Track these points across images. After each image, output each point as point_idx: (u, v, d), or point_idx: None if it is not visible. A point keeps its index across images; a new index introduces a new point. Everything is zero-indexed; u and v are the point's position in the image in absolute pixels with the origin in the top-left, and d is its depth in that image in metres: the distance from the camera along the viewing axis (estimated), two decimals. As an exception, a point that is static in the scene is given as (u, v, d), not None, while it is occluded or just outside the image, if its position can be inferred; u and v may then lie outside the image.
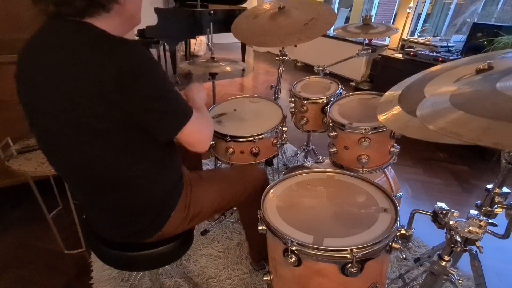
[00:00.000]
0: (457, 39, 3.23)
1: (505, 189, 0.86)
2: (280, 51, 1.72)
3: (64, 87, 0.66)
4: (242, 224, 1.36)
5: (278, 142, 1.39)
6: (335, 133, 1.27)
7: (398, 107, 0.83)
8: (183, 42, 5.15)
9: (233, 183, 1.11)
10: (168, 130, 0.76)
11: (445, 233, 0.73)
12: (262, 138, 1.29)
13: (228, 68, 1.59)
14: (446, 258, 0.77)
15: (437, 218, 0.73)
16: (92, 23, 0.69)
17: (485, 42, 2.60)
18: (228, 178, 1.13)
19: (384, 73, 3.48)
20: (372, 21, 1.80)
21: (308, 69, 5.05)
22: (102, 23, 0.70)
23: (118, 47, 0.66)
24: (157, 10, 3.63)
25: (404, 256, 1.50)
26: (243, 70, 4.95)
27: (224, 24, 3.92)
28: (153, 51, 4.18)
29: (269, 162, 1.44)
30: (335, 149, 1.31)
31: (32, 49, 0.72)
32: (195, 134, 0.80)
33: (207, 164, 2.28)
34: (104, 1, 0.68)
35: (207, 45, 1.58)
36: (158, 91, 0.70)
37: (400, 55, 3.26)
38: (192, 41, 5.32)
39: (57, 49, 0.67)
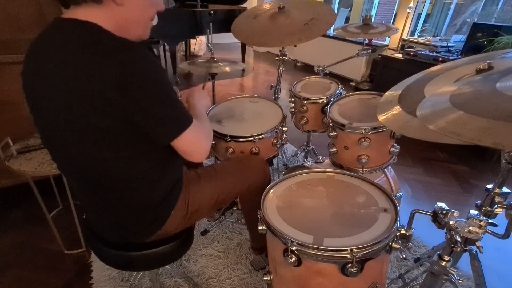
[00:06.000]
0: (457, 39, 3.22)
1: (505, 189, 0.86)
2: (280, 51, 1.72)
3: (65, 85, 0.66)
4: (243, 213, 1.35)
5: (278, 142, 1.39)
6: (335, 133, 1.27)
7: (398, 107, 0.83)
8: (183, 42, 5.15)
9: (232, 174, 1.11)
10: (164, 135, 0.75)
11: (445, 233, 0.73)
12: (262, 138, 1.29)
13: (227, 69, 1.59)
14: (446, 258, 0.77)
15: (437, 218, 0.73)
16: (96, 22, 0.68)
17: (485, 42, 2.60)
18: (226, 170, 1.12)
19: (384, 73, 3.48)
20: (372, 21, 1.80)
21: (308, 69, 5.04)
22: (98, 18, 0.68)
23: (121, 49, 0.66)
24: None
25: (404, 256, 1.50)
26: (243, 70, 4.95)
27: (224, 24, 3.92)
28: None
29: (269, 162, 1.44)
30: (335, 149, 1.31)
31: (37, 47, 0.72)
32: (192, 143, 0.79)
33: (207, 164, 2.28)
34: None
35: (207, 45, 1.58)
36: (158, 96, 0.70)
37: (400, 55, 3.25)
38: (192, 41, 5.32)
39: (60, 49, 0.67)
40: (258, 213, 0.83)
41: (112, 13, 0.70)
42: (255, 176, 1.13)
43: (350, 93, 1.49)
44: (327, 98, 1.60)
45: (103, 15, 0.69)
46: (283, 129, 1.38)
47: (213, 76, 1.73)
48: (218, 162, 1.40)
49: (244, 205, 1.30)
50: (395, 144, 1.25)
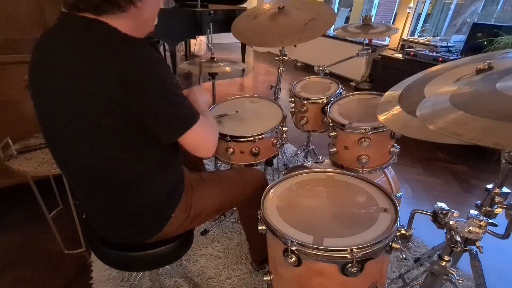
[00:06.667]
0: (457, 39, 3.23)
1: (505, 189, 0.86)
2: (280, 51, 1.72)
3: (69, 83, 0.66)
4: (242, 225, 1.36)
5: (278, 142, 1.38)
6: (335, 133, 1.27)
7: (398, 107, 0.83)
8: (183, 42, 5.15)
9: (234, 184, 1.12)
10: (170, 133, 0.75)
11: (445, 233, 0.73)
12: (262, 138, 1.29)
13: (227, 69, 1.59)
14: (446, 258, 0.77)
15: (437, 218, 0.73)
16: (106, 21, 0.68)
17: (485, 42, 2.60)
18: (228, 179, 1.13)
19: (384, 73, 3.48)
20: (372, 21, 1.80)
21: (308, 69, 5.05)
22: (117, 23, 0.69)
23: (126, 47, 0.66)
24: (157, 10, 3.63)
25: (404, 256, 1.50)
26: (243, 70, 4.95)
27: (224, 24, 3.92)
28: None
29: (269, 162, 1.44)
30: (335, 149, 1.31)
31: (45, 43, 0.72)
32: (199, 139, 0.80)
33: (207, 164, 2.28)
34: (121, 0, 0.67)
35: (207, 45, 1.58)
36: (163, 93, 0.70)
37: (400, 55, 3.26)
38: (192, 41, 5.32)
39: (66, 46, 0.67)
40: (258, 213, 0.83)
41: (133, 17, 0.71)
42: (254, 188, 1.13)
43: (350, 93, 1.49)
44: (327, 98, 1.60)
45: (125, 22, 0.70)
46: (283, 129, 1.38)
47: (213, 76, 1.73)
48: (221, 170, 1.40)
49: (242, 217, 1.31)
50: (395, 144, 1.25)
